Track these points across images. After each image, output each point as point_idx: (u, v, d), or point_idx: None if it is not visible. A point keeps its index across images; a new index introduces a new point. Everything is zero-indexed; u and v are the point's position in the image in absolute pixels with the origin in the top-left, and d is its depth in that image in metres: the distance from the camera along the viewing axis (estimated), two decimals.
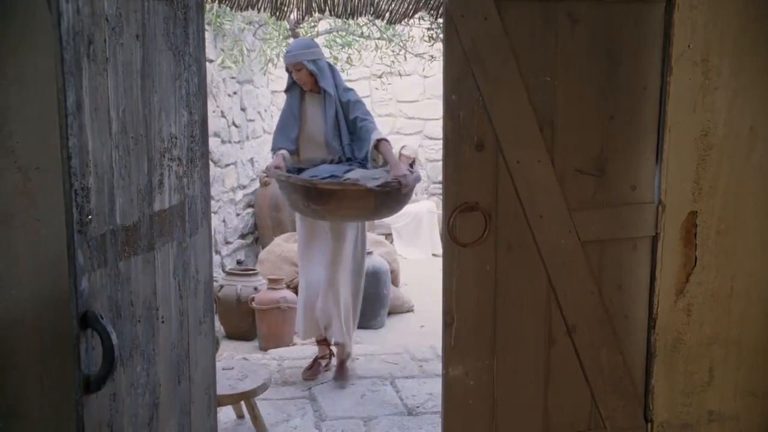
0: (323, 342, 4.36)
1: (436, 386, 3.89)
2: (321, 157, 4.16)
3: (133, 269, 1.65)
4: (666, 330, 2.51)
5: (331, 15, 4.10)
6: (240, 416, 3.78)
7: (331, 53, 6.91)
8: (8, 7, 1.39)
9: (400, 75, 8.08)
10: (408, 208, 8.36)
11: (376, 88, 9.19)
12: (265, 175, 7.41)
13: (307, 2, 3.85)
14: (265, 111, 8.05)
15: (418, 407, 3.94)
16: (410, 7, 3.85)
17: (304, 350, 4.79)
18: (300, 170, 4.13)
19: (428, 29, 6.34)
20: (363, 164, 4.10)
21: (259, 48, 7.02)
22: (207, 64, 2.28)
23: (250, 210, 7.26)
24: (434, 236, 8.24)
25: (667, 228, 2.47)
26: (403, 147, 8.66)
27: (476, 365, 2.45)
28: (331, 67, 4.19)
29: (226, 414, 3.77)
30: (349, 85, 4.33)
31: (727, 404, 2.57)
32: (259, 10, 3.90)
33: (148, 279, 1.74)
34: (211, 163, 4.16)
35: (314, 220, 4.06)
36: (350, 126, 4.15)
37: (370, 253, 5.75)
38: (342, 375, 4.26)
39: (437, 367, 4.39)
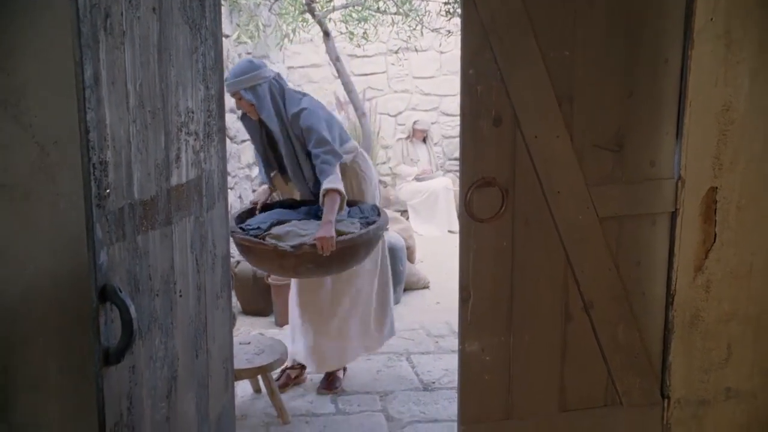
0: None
1: (452, 362, 3.90)
2: (301, 191, 3.81)
3: (151, 243, 1.66)
4: (684, 306, 2.50)
5: None
6: (257, 390, 3.81)
7: (347, 28, 6.86)
8: None
9: (416, 50, 8.02)
10: (424, 185, 8.35)
11: (392, 64, 9.14)
12: None
13: None
14: None
15: (433, 383, 3.95)
16: None
17: None
18: (268, 207, 3.86)
19: (445, 3, 6.27)
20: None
21: (274, 23, 6.98)
22: (223, 39, 2.27)
23: (266, 186, 7.25)
24: (450, 213, 8.21)
25: (687, 204, 2.44)
26: (415, 122, 8.62)
27: (493, 341, 2.45)
28: (275, 89, 3.60)
29: (243, 388, 3.81)
30: (307, 94, 3.76)
31: (744, 381, 2.56)
32: None
33: (165, 253, 1.74)
34: (227, 139, 4.13)
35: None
36: (311, 159, 3.61)
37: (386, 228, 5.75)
38: (329, 385, 3.86)
39: (453, 343, 4.40)
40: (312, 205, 3.78)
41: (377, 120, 9.22)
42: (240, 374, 3.39)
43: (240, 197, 6.45)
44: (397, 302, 5.64)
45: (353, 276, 3.77)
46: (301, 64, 9.23)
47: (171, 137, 1.76)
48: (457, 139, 2.39)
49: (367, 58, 9.22)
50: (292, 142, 3.60)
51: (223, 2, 5.38)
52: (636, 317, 2.51)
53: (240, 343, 3.59)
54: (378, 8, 6.80)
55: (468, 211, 2.35)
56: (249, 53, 6.65)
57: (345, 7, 6.85)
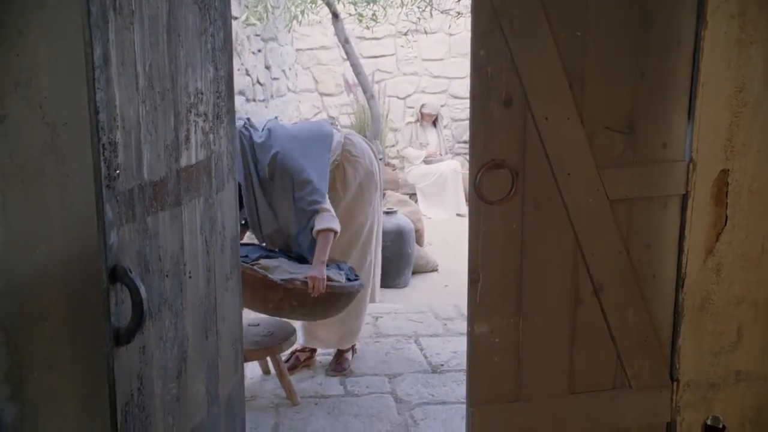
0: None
1: (461, 345, 3.91)
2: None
3: (161, 224, 1.66)
4: (694, 289, 2.49)
5: None
6: (266, 372, 3.83)
7: (356, 9, 6.83)
8: None
9: (425, 32, 7.98)
10: (432, 168, 8.34)
11: (402, 46, 9.11)
12: None
13: None
14: (290, 69, 8.01)
15: (442, 365, 3.97)
16: None
17: None
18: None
19: None
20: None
21: (283, 5, 6.96)
22: (232, 20, 2.26)
23: None
24: (459, 196, 8.21)
25: (698, 186, 2.43)
26: (423, 105, 8.60)
27: (502, 323, 2.45)
28: (245, 140, 3.43)
29: (252, 370, 3.83)
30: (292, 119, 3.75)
31: (755, 364, 2.55)
32: None
33: (175, 234, 1.75)
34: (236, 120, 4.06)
35: None
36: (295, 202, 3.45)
37: (394, 211, 5.75)
38: (337, 367, 3.93)
39: (461, 325, 4.41)
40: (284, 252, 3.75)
41: (386, 103, 9.20)
42: (249, 355, 3.40)
43: None
44: (405, 285, 5.66)
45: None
46: (310, 46, 9.21)
47: (180, 118, 1.75)
48: (467, 122, 2.38)
49: (376, 41, 9.19)
50: (254, 193, 3.47)
51: None
52: (646, 300, 2.50)
53: (249, 325, 3.61)
54: None
55: (478, 193, 2.35)
56: (258, 35, 6.63)
57: None
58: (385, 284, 4.75)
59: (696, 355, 2.53)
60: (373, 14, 6.97)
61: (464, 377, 2.63)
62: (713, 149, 2.40)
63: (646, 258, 2.48)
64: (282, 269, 3.38)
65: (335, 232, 3.42)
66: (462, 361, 3.83)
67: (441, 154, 8.61)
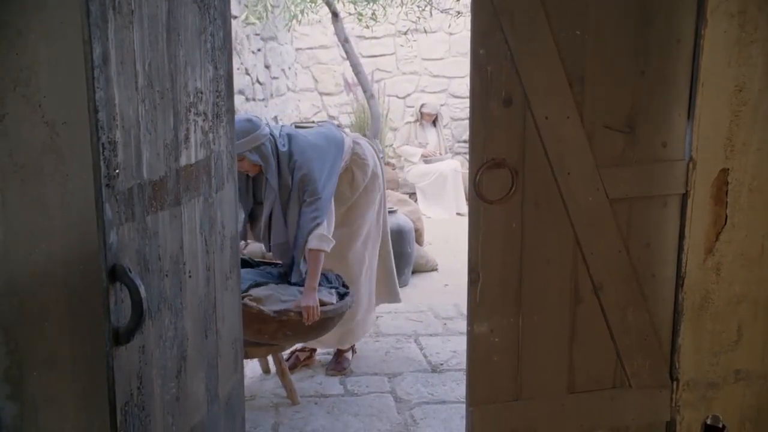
0: None
1: (460, 344, 3.92)
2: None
3: (161, 224, 1.66)
4: (694, 289, 2.49)
5: None
6: (266, 371, 3.83)
7: (355, 9, 6.83)
8: None
9: (425, 32, 7.98)
10: (432, 167, 8.33)
11: (401, 45, 9.11)
12: None
13: None
14: (289, 68, 8.01)
15: (442, 364, 3.97)
16: None
17: None
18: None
19: None
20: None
21: (283, 4, 6.95)
22: (231, 19, 2.25)
23: None
24: (459, 195, 8.20)
25: (698, 185, 2.43)
26: (422, 105, 8.59)
27: (501, 323, 2.45)
28: (272, 145, 3.44)
29: (252, 369, 3.83)
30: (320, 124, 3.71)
31: (755, 363, 2.55)
32: None
33: (175, 234, 1.74)
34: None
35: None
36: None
37: (394, 211, 5.75)
38: (337, 366, 3.94)
39: (461, 325, 4.41)
40: (270, 265, 3.75)
41: (386, 102, 9.20)
42: (252, 352, 3.40)
43: None
44: (405, 284, 5.65)
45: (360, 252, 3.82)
46: (310, 46, 9.20)
47: (180, 117, 1.75)
48: (466, 122, 2.38)
49: (375, 40, 9.18)
50: (280, 199, 3.49)
51: None
52: (645, 299, 2.50)
53: None
54: None
55: (477, 193, 2.35)
56: (257, 34, 6.63)
57: None
58: None
59: (696, 355, 2.53)
60: (373, 13, 6.97)
61: (464, 376, 2.63)
62: (713, 148, 2.40)
63: (646, 257, 2.48)
64: (274, 298, 3.36)
65: (324, 253, 3.43)
66: (462, 360, 3.83)
67: (440, 154, 8.60)
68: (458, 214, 8.00)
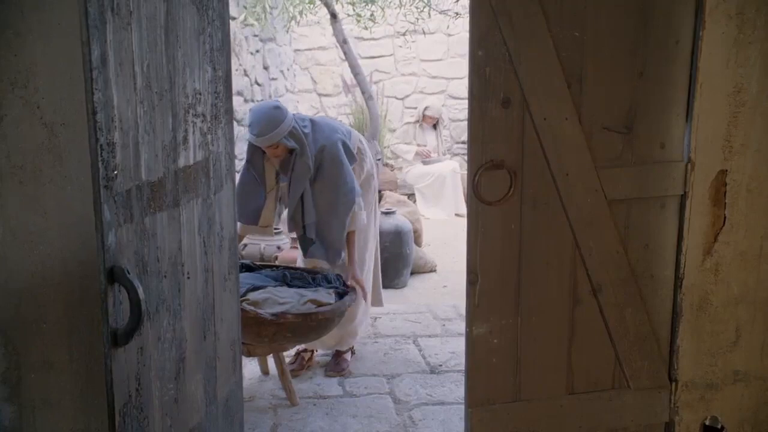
0: None
1: (459, 345, 3.91)
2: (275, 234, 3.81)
3: (159, 225, 1.66)
4: (692, 290, 2.49)
5: None
6: (265, 372, 3.83)
7: (354, 10, 6.83)
8: None
9: (424, 33, 7.98)
10: (431, 169, 8.33)
11: (400, 47, 9.11)
12: None
13: None
14: (288, 70, 8.00)
15: (440, 365, 3.97)
16: None
17: None
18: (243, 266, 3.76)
19: None
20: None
21: (281, 5, 6.95)
22: (230, 21, 2.25)
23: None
24: (457, 196, 8.20)
25: (696, 187, 2.43)
26: (426, 108, 8.59)
27: (500, 324, 2.45)
28: (300, 126, 3.56)
29: (251, 370, 3.83)
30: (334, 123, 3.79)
31: (753, 364, 2.55)
32: None
33: (173, 235, 1.74)
34: (234, 122, 3.97)
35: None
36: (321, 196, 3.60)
37: (392, 212, 5.75)
38: (336, 367, 3.92)
39: (460, 326, 4.41)
40: (268, 268, 3.81)
41: (384, 103, 9.19)
42: (256, 350, 3.41)
43: None
44: (404, 285, 5.65)
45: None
46: (308, 47, 9.20)
47: (178, 119, 1.75)
48: (465, 123, 2.38)
49: (374, 41, 9.18)
50: (308, 181, 3.59)
51: None
52: (644, 300, 2.50)
53: None
54: None
55: (476, 194, 2.35)
56: (256, 35, 6.62)
57: None
58: (383, 285, 4.74)
59: (694, 356, 2.54)
60: (372, 14, 6.96)
61: (463, 378, 2.63)
62: (711, 149, 2.40)
63: (645, 258, 2.48)
64: (272, 301, 3.37)
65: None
66: (460, 361, 3.83)
67: (439, 154, 8.60)
68: (457, 215, 8.00)
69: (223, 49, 2.06)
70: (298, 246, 3.82)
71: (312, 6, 6.80)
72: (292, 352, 3.93)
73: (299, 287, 3.58)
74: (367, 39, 8.97)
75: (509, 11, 2.24)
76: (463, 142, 9.02)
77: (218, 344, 2.07)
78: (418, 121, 8.61)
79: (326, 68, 9.37)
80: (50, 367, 1.45)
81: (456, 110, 9.41)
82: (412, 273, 5.86)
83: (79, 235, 1.39)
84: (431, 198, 8.27)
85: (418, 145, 8.55)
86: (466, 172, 2.32)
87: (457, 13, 7.10)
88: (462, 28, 8.32)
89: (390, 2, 6.99)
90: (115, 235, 1.44)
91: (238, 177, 3.57)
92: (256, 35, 6.63)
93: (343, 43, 6.69)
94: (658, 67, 2.37)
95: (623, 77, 2.36)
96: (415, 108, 8.94)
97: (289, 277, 3.68)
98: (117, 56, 1.43)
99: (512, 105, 2.31)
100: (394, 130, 9.06)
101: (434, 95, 9.41)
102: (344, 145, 3.65)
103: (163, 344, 1.70)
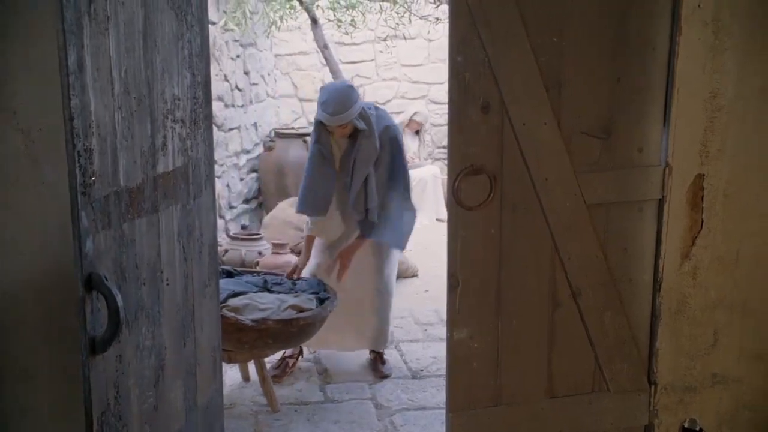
0: None
1: (441, 350, 3.91)
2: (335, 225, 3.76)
3: (138, 231, 1.65)
4: (671, 293, 2.51)
5: None
6: (246, 379, 3.81)
7: (335, 15, 6.83)
8: None
9: (404, 38, 7.99)
10: (412, 173, 8.32)
11: (381, 52, 9.11)
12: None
13: None
14: (269, 75, 7.98)
15: (422, 371, 3.97)
16: None
17: None
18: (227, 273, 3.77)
19: None
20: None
21: (262, 10, 6.93)
22: (209, 26, 2.25)
23: (253, 175, 7.24)
24: (438, 201, 8.20)
25: (674, 191, 2.45)
26: (415, 113, 8.59)
27: (481, 328, 2.45)
28: (369, 106, 3.66)
29: (231, 377, 3.81)
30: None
31: (731, 367, 2.58)
32: None
33: (152, 241, 1.73)
34: (214, 127, 3.88)
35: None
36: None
37: None
38: (383, 369, 3.96)
39: (441, 331, 4.41)
40: (249, 273, 3.80)
41: None
42: (235, 357, 3.39)
43: (228, 186, 6.43)
44: None
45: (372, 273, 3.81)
46: (289, 52, 9.18)
47: (157, 124, 1.74)
48: (446, 127, 2.38)
49: (355, 46, 9.18)
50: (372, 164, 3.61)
51: None
52: (623, 304, 2.52)
53: None
54: None
55: (456, 199, 2.35)
56: (236, 40, 6.60)
57: None
58: None
59: (673, 359, 2.55)
60: (352, 20, 6.97)
61: (444, 383, 2.63)
62: (689, 154, 2.43)
63: (624, 262, 2.50)
64: (252, 307, 3.35)
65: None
66: (442, 366, 3.83)
67: (420, 159, 8.61)
68: (438, 219, 8.01)
69: (202, 54, 2.06)
70: (359, 228, 3.73)
71: (293, 11, 6.79)
72: (275, 357, 3.91)
73: (280, 293, 3.56)
74: (348, 44, 8.96)
75: (488, 17, 2.25)
76: (443, 147, 9.04)
77: (198, 351, 2.06)
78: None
79: (307, 73, 9.35)
80: (28, 375, 1.44)
81: (437, 115, 9.42)
82: None
83: (56, 241, 1.38)
84: None
85: None
86: (446, 177, 2.34)
87: (437, 19, 7.12)
88: (442, 33, 8.32)
89: (371, 8, 7.00)
90: (92, 241, 1.43)
91: (306, 163, 3.66)
92: (236, 40, 6.61)
93: (324, 48, 6.69)
94: (635, 72, 2.39)
95: (601, 83, 2.38)
96: (400, 113, 8.94)
97: (270, 282, 3.67)
98: (94, 61, 1.42)
99: (492, 110, 2.32)
100: None
101: (417, 100, 9.42)
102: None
103: (142, 351, 1.69)
